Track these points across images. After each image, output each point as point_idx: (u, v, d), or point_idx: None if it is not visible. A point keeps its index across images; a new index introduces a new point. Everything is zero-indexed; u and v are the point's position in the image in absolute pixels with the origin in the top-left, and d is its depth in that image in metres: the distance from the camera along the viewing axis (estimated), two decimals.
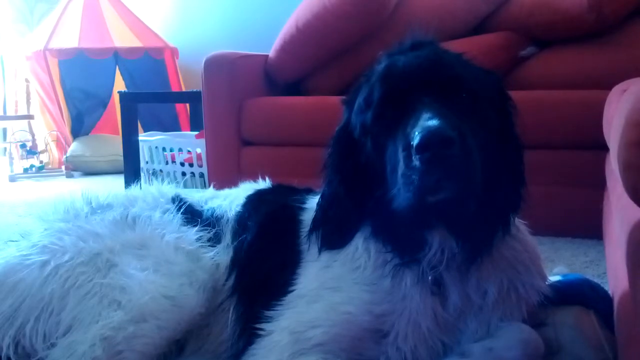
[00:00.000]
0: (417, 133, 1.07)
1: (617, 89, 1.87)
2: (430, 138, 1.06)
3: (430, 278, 1.27)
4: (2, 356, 1.37)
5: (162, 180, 1.78)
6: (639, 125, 1.06)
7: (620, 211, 1.44)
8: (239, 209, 1.60)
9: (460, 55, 1.31)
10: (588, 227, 2.69)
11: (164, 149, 4.46)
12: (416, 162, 1.08)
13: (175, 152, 4.41)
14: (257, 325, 1.33)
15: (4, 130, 6.99)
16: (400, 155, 1.13)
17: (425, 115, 1.10)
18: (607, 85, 2.13)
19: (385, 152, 1.20)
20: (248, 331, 1.38)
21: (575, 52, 3.21)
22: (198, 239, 1.53)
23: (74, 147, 6.28)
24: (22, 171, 6.15)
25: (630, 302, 1.18)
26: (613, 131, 1.34)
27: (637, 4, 3.14)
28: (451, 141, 1.07)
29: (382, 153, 1.21)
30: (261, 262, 1.48)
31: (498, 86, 1.31)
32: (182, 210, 1.60)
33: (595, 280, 1.67)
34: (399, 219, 1.19)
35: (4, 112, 7.03)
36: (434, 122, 1.07)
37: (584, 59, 3.17)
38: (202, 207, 1.65)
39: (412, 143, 1.08)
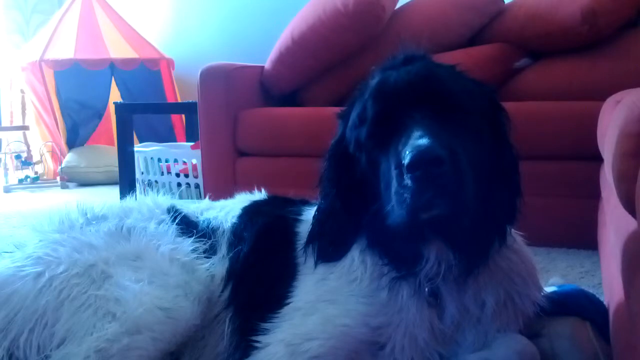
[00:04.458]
0: (407, 152, 1.08)
1: (611, 100, 1.88)
2: (420, 158, 1.06)
3: (427, 290, 1.27)
4: None
5: (158, 191, 1.77)
6: (633, 136, 1.07)
7: (614, 222, 1.45)
8: (234, 220, 1.60)
9: (453, 67, 1.31)
10: (583, 238, 2.69)
11: (159, 160, 4.46)
12: (408, 180, 1.09)
13: (171, 163, 4.41)
14: (253, 338, 1.32)
15: None
16: (393, 172, 1.14)
17: (416, 134, 1.11)
18: (601, 96, 2.14)
19: (379, 168, 1.21)
20: (244, 343, 1.37)
21: (570, 63, 3.23)
22: (193, 250, 1.52)
23: (69, 158, 6.27)
24: (17, 182, 6.12)
25: (626, 312, 1.18)
26: (607, 142, 1.35)
27: (630, 15, 3.16)
28: (441, 160, 1.08)
29: (376, 169, 1.22)
30: (257, 274, 1.48)
31: (491, 98, 1.31)
32: (177, 221, 1.60)
33: (591, 290, 1.67)
34: (395, 234, 1.20)
35: None
36: (423, 141, 1.08)
37: (578, 70, 3.19)
38: (197, 218, 1.65)
39: (403, 162, 1.08)
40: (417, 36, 1.53)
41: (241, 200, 1.69)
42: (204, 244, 1.54)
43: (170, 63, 6.69)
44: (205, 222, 1.62)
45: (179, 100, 6.61)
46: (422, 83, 1.22)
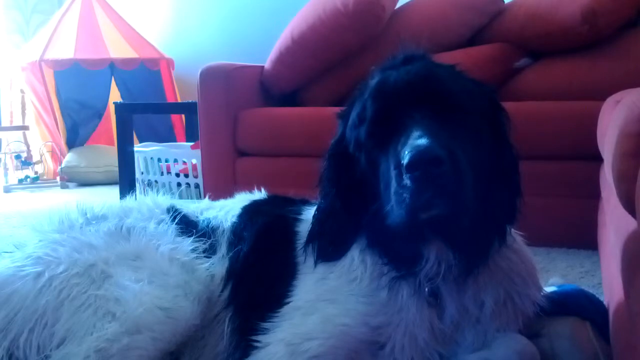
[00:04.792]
0: (406, 152, 1.08)
1: (611, 100, 1.88)
2: (419, 158, 1.07)
3: (427, 290, 1.27)
4: None
5: (158, 191, 1.77)
6: (633, 136, 1.07)
7: (614, 222, 1.45)
8: (234, 219, 1.60)
9: (452, 67, 1.31)
10: (583, 238, 2.69)
11: (159, 160, 4.46)
12: (407, 180, 1.09)
13: (171, 163, 4.41)
14: (253, 337, 1.32)
15: None
16: (393, 172, 1.14)
17: (415, 134, 1.11)
18: (601, 96, 2.14)
19: (379, 168, 1.21)
20: (244, 343, 1.37)
21: (570, 63, 3.23)
22: (193, 250, 1.52)
23: (69, 157, 6.27)
24: (16, 182, 6.12)
25: (626, 312, 1.18)
26: (607, 142, 1.35)
27: (630, 15, 3.16)
28: (440, 160, 1.08)
29: (376, 169, 1.22)
30: (257, 273, 1.48)
31: (491, 98, 1.31)
32: (177, 220, 1.60)
33: (591, 290, 1.67)
34: (394, 234, 1.20)
35: None
36: (423, 141, 1.08)
37: (578, 70, 3.18)
38: (197, 217, 1.65)
39: (402, 162, 1.09)
40: (417, 36, 1.53)
41: (241, 199, 1.69)
42: (204, 243, 1.54)
43: (170, 63, 6.69)
44: (205, 222, 1.62)
45: (179, 100, 6.61)
46: (422, 83, 1.22)
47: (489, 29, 3.63)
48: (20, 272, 1.41)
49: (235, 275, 1.49)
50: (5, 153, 6.45)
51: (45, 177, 6.49)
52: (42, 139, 6.58)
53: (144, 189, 4.43)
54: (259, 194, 1.72)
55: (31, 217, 3.79)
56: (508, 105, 1.33)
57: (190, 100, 4.88)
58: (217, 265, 1.52)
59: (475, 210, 1.15)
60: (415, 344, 1.25)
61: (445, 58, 1.36)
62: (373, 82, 1.28)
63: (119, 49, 6.53)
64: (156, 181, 4.47)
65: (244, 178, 3.58)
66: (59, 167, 6.25)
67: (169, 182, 4.40)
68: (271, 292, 1.40)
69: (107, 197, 4.40)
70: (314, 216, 1.39)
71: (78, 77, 6.31)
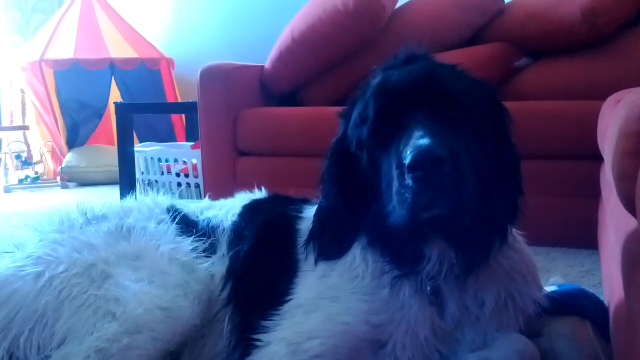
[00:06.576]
0: (408, 152, 1.08)
1: (611, 99, 1.88)
2: (421, 158, 1.07)
3: (428, 288, 1.27)
4: None
5: (158, 190, 1.77)
6: (633, 136, 1.07)
7: (615, 221, 1.45)
8: (235, 218, 1.60)
9: (454, 66, 1.31)
10: (583, 237, 2.69)
11: (159, 160, 4.46)
12: (409, 180, 1.09)
13: (171, 163, 4.41)
14: (254, 336, 1.32)
15: None
16: (394, 172, 1.14)
17: (417, 134, 1.11)
18: (602, 95, 2.14)
19: (381, 167, 1.22)
20: (244, 342, 1.37)
21: (570, 62, 3.23)
22: (193, 250, 1.52)
23: (69, 157, 6.26)
24: (17, 182, 6.12)
25: (626, 311, 1.18)
26: (607, 141, 1.35)
27: (630, 15, 3.16)
28: (442, 160, 1.08)
29: (378, 168, 1.22)
30: (258, 271, 1.48)
31: (492, 97, 1.31)
32: (177, 220, 1.60)
33: (591, 290, 1.67)
34: (396, 233, 1.20)
35: None
36: (424, 141, 1.09)
37: (578, 69, 3.19)
38: (197, 217, 1.65)
39: (404, 162, 1.09)
40: (417, 35, 1.53)
41: (241, 198, 1.69)
42: (204, 242, 1.54)
43: (170, 62, 6.69)
44: (205, 221, 1.62)
45: (179, 100, 6.60)
46: (424, 82, 1.22)
47: (489, 29, 3.62)
48: (21, 272, 1.41)
49: (236, 273, 1.49)
50: (5, 153, 6.45)
51: (45, 177, 6.49)
52: (42, 138, 6.58)
53: (144, 189, 4.43)
54: (260, 193, 1.72)
55: (31, 217, 3.79)
56: (508, 105, 1.33)
57: (190, 100, 4.88)
58: (217, 265, 1.52)
59: (477, 209, 1.16)
60: (416, 342, 1.25)
61: (445, 57, 1.36)
62: (375, 81, 1.28)
63: (119, 49, 6.53)
64: (156, 181, 4.48)
65: (244, 178, 3.58)
66: (59, 167, 6.24)
67: (169, 182, 4.40)
68: (272, 289, 1.41)
69: (107, 197, 4.38)
70: (315, 215, 1.39)
71: (78, 77, 6.31)
